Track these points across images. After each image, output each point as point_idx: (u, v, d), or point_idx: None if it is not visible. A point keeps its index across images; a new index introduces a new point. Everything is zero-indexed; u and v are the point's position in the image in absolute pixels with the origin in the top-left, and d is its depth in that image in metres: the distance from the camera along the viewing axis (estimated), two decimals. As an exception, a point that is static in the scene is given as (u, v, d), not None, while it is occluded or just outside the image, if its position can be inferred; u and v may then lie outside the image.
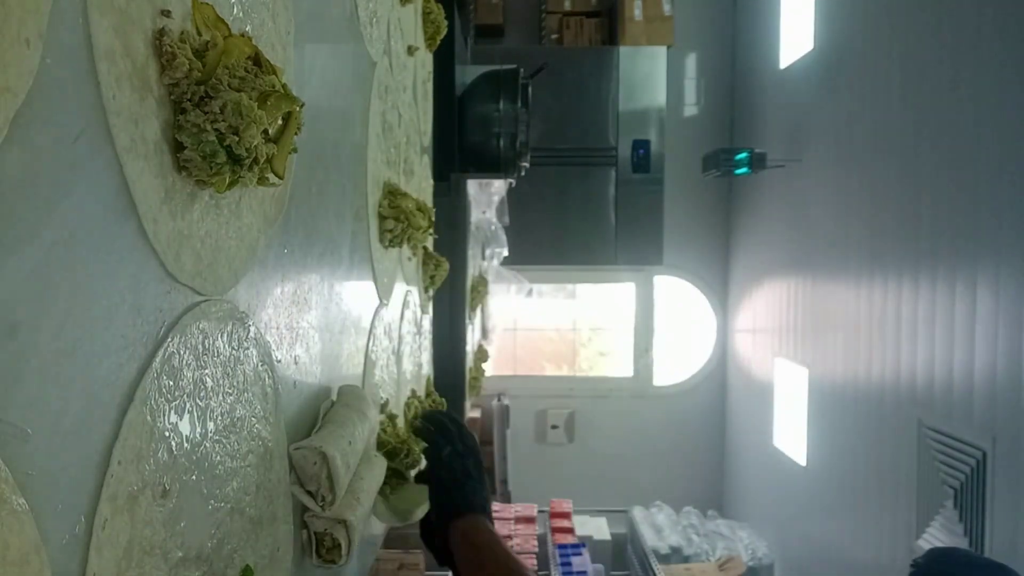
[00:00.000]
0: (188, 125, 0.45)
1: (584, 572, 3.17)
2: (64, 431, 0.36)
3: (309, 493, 0.68)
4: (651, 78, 4.31)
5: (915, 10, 2.95)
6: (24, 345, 0.33)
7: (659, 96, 4.31)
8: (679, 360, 5.39)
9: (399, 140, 1.22)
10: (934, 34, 2.80)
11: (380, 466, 0.89)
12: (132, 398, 0.42)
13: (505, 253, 3.24)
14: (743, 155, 3.81)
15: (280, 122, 0.54)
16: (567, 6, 4.93)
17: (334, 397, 0.82)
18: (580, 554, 3.27)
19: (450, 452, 0.94)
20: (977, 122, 2.53)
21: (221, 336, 0.53)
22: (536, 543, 3.20)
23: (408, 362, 1.30)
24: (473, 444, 0.96)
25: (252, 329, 0.58)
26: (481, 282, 2.93)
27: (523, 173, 2.31)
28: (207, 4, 0.49)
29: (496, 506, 3.36)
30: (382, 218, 1.09)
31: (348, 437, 0.74)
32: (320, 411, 0.77)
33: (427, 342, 1.55)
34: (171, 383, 0.46)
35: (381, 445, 1.00)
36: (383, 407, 1.08)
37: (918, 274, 2.85)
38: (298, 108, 0.55)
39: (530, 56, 3.63)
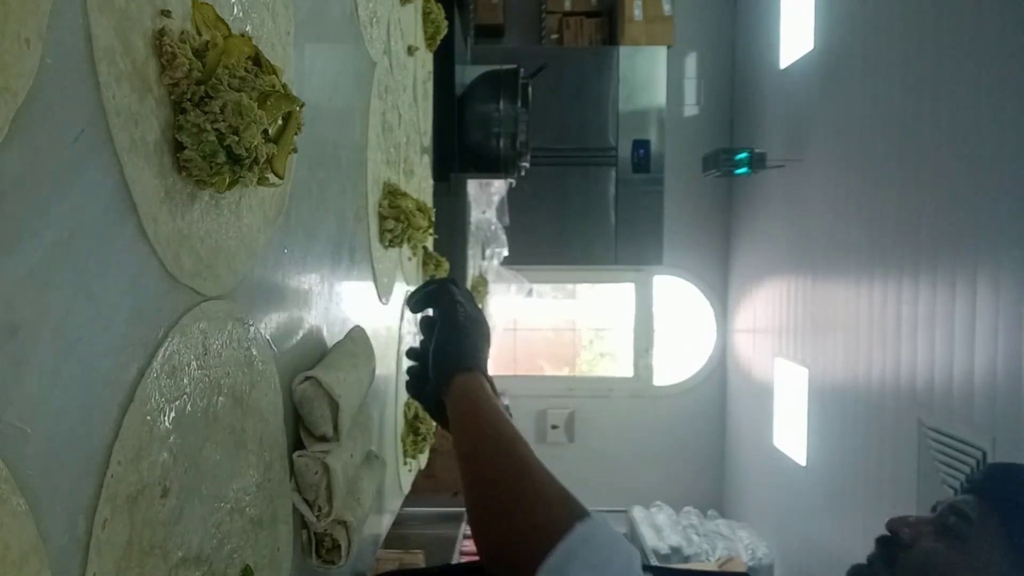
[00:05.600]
0: (188, 125, 0.45)
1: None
2: (64, 431, 0.36)
3: (306, 501, 0.68)
4: (651, 78, 4.31)
5: (915, 10, 2.95)
6: (24, 345, 0.33)
7: (659, 96, 4.31)
8: (679, 360, 5.39)
9: (399, 140, 1.22)
10: (934, 34, 2.80)
11: (380, 468, 0.89)
12: (132, 398, 0.42)
13: (505, 253, 3.24)
14: (743, 155, 3.81)
15: (280, 122, 0.54)
16: (567, 6, 4.93)
17: (335, 394, 0.82)
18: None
19: (448, 313, 0.85)
20: (977, 122, 2.53)
21: (221, 336, 0.53)
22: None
23: (408, 362, 1.30)
24: (473, 306, 0.88)
25: (252, 329, 0.58)
26: (481, 282, 2.93)
27: (523, 173, 2.31)
28: (207, 4, 0.49)
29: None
30: (382, 218, 1.09)
31: (351, 450, 0.74)
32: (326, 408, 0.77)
33: (427, 342, 1.55)
34: (171, 383, 0.46)
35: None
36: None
37: (918, 274, 2.85)
38: (298, 108, 0.55)
39: (530, 56, 3.63)
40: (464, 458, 0.74)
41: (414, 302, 0.88)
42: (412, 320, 1.36)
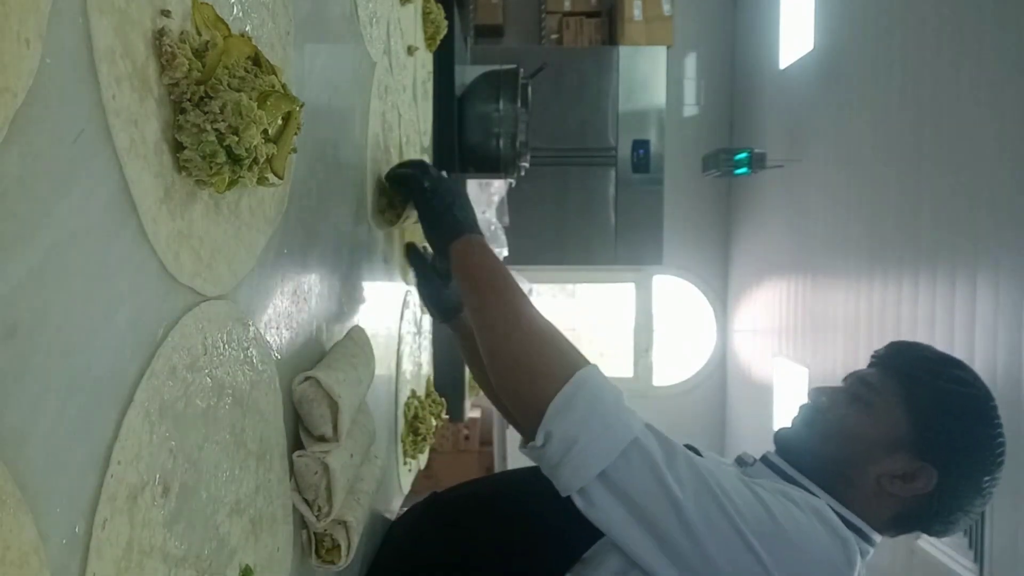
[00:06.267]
0: (188, 125, 0.45)
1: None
2: (64, 431, 0.36)
3: (306, 501, 0.68)
4: (651, 78, 4.31)
5: (915, 10, 2.95)
6: (24, 345, 0.33)
7: (659, 96, 4.31)
8: (679, 360, 5.39)
9: (399, 140, 1.22)
10: (934, 34, 2.80)
11: (380, 468, 0.89)
12: (132, 398, 0.42)
13: (505, 253, 3.24)
14: (743, 155, 3.81)
15: (280, 122, 0.54)
16: (567, 6, 4.93)
17: (335, 394, 0.82)
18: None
19: (432, 183, 0.99)
20: (977, 122, 2.53)
21: (221, 336, 0.53)
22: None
23: (408, 362, 1.30)
24: (449, 180, 1.02)
25: (252, 329, 0.58)
26: (481, 282, 2.92)
27: (523, 173, 2.31)
28: (207, 4, 0.49)
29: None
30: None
31: (351, 450, 0.74)
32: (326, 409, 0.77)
33: (427, 342, 1.55)
34: (171, 383, 0.46)
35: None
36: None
37: (918, 274, 2.85)
38: (298, 108, 0.55)
39: (530, 56, 3.63)
40: (475, 315, 0.88)
41: (390, 179, 1.03)
42: (411, 320, 1.36)
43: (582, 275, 5.38)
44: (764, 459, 0.98)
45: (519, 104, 2.06)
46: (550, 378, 0.77)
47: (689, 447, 0.93)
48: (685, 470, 0.76)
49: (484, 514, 0.98)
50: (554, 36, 4.90)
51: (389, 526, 1.12)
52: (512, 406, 0.82)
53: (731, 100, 5.09)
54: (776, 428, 1.00)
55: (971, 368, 0.93)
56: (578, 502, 0.75)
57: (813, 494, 0.87)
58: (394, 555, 1.03)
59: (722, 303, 5.24)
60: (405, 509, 1.14)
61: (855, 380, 0.96)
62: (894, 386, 0.91)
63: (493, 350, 0.84)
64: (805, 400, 1.00)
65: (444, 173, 1.03)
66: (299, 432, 0.71)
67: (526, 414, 0.79)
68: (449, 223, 0.96)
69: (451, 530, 0.99)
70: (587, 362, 0.81)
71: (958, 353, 2.53)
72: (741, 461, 1.00)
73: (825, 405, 0.96)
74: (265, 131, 0.50)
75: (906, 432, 0.88)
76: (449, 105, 1.96)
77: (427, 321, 1.56)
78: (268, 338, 0.63)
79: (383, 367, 1.09)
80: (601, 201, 4.32)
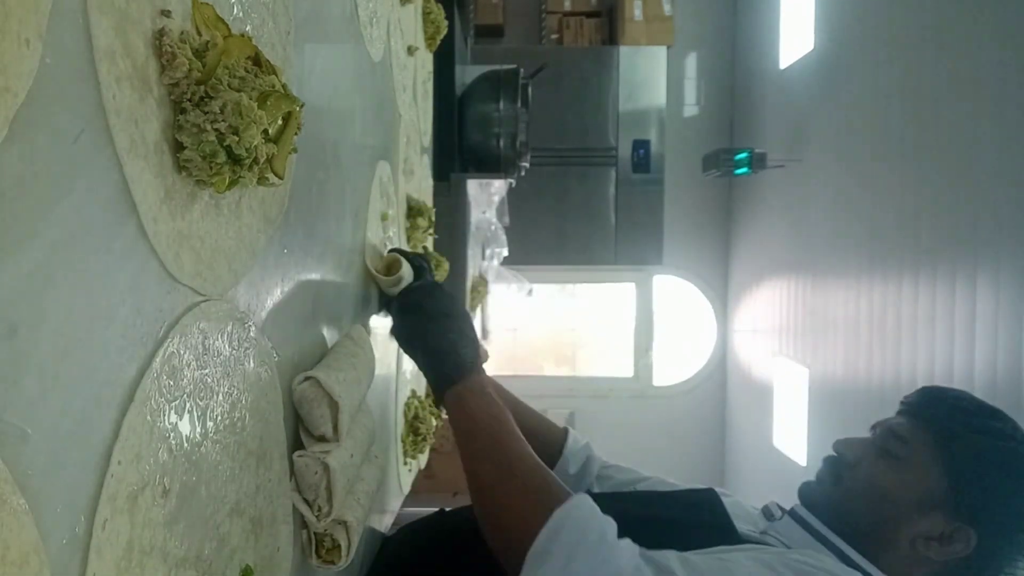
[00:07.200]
0: (188, 125, 0.45)
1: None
2: (64, 431, 0.36)
3: (306, 501, 0.68)
4: (651, 78, 4.31)
5: (915, 10, 2.95)
6: (24, 345, 0.33)
7: (659, 96, 4.31)
8: (679, 360, 5.39)
9: (399, 140, 1.22)
10: (934, 34, 2.80)
11: (380, 468, 0.89)
12: (132, 398, 0.42)
13: (505, 253, 3.24)
14: (743, 155, 3.81)
15: (280, 122, 0.53)
16: (567, 6, 4.93)
17: (335, 394, 0.82)
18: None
19: (447, 303, 0.92)
20: (977, 122, 2.53)
21: (221, 336, 0.53)
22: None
23: (408, 362, 1.30)
24: (460, 304, 0.95)
25: (252, 329, 0.58)
26: (481, 282, 2.93)
27: (523, 173, 2.31)
28: (207, 4, 0.49)
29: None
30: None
31: (351, 450, 0.74)
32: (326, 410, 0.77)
33: (427, 342, 1.55)
34: (171, 383, 0.46)
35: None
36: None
37: (918, 274, 2.85)
38: (298, 108, 0.55)
39: (530, 56, 3.63)
40: (463, 459, 0.83)
41: (397, 308, 0.95)
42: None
43: (582, 275, 5.38)
44: (792, 513, 0.92)
45: (519, 104, 2.06)
46: (528, 522, 0.71)
47: (709, 491, 0.89)
48: None
49: None
50: (554, 36, 4.90)
51: (384, 540, 1.10)
52: (498, 555, 0.77)
53: (731, 100, 5.09)
54: (806, 482, 0.94)
55: (1010, 418, 0.86)
56: None
57: (845, 554, 0.82)
58: (396, 570, 1.01)
59: (722, 303, 5.24)
60: (409, 522, 1.13)
61: (884, 432, 0.89)
62: (927, 439, 0.84)
63: (474, 490, 0.81)
64: (829, 452, 0.93)
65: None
66: (299, 432, 0.71)
67: (511, 560, 0.73)
68: (446, 368, 0.87)
69: (455, 549, 0.96)
70: (567, 495, 0.74)
71: (958, 353, 2.50)
72: (768, 513, 0.94)
73: (852, 460, 0.89)
74: (265, 131, 0.50)
75: (941, 490, 0.82)
76: (449, 105, 1.96)
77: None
78: (268, 338, 0.63)
79: (383, 367, 1.09)
80: (601, 201, 4.32)
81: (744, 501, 0.99)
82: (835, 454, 0.92)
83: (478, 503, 0.80)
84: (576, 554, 0.67)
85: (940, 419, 0.86)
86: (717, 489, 0.95)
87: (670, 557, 0.70)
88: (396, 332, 0.95)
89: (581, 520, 0.71)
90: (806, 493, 0.93)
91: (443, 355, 0.88)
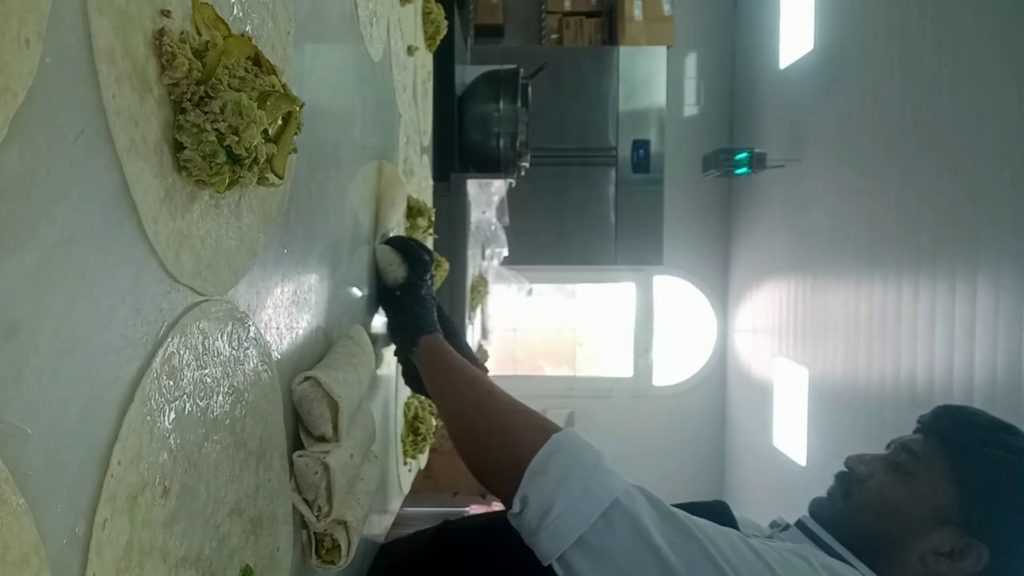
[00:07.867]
0: (188, 125, 0.45)
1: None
2: (64, 431, 0.36)
3: (306, 501, 0.68)
4: (651, 78, 4.31)
5: (915, 10, 2.95)
6: (24, 345, 0.33)
7: (659, 96, 4.31)
8: (679, 360, 5.39)
9: (399, 140, 1.22)
10: (934, 34, 2.80)
11: (380, 468, 0.89)
12: (132, 398, 0.42)
13: (505, 253, 3.24)
14: (743, 155, 3.81)
15: (280, 122, 0.53)
16: (567, 6, 4.93)
17: (335, 394, 0.82)
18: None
19: (421, 282, 1.05)
20: (977, 122, 2.53)
21: (221, 336, 0.53)
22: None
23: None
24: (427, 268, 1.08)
25: (252, 329, 0.58)
26: (481, 282, 2.93)
27: (523, 173, 2.31)
28: (207, 4, 0.49)
29: (497, 505, 3.35)
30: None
31: (351, 450, 0.74)
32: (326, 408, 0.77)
33: (427, 342, 1.55)
34: (171, 383, 0.46)
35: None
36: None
37: (918, 274, 2.85)
38: (298, 108, 0.55)
39: (530, 56, 3.63)
40: (442, 400, 0.91)
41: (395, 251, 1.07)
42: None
43: (582, 275, 5.39)
44: (799, 524, 0.91)
45: (519, 104, 2.06)
46: (525, 444, 0.75)
47: (719, 503, 0.90)
48: (676, 530, 0.69)
49: (493, 547, 0.94)
50: (554, 36, 4.90)
51: (382, 548, 1.09)
52: (491, 482, 0.80)
53: (731, 100, 5.10)
54: (817, 498, 0.93)
55: None
56: (558, 571, 0.70)
57: (852, 566, 0.80)
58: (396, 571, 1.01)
59: (722, 303, 5.24)
60: (412, 531, 1.12)
61: (897, 447, 0.89)
62: (939, 453, 0.84)
63: (457, 429, 0.85)
64: (841, 468, 0.93)
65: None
66: (299, 432, 0.71)
67: (504, 482, 0.76)
68: (419, 323, 1.00)
69: (458, 561, 0.96)
70: (559, 427, 0.79)
71: (958, 353, 2.51)
72: (775, 526, 0.93)
73: (863, 474, 0.89)
74: (265, 131, 0.50)
75: (953, 505, 0.81)
76: (449, 105, 1.96)
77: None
78: (268, 338, 0.63)
79: (383, 367, 1.09)
80: (601, 201, 4.32)
81: (750, 516, 0.99)
82: (846, 469, 0.92)
83: (461, 440, 0.84)
84: (572, 472, 0.72)
85: (953, 434, 0.85)
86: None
87: (662, 501, 0.73)
88: (389, 327, 1.05)
89: (579, 445, 0.76)
90: (816, 508, 0.91)
91: (416, 318, 1.01)
